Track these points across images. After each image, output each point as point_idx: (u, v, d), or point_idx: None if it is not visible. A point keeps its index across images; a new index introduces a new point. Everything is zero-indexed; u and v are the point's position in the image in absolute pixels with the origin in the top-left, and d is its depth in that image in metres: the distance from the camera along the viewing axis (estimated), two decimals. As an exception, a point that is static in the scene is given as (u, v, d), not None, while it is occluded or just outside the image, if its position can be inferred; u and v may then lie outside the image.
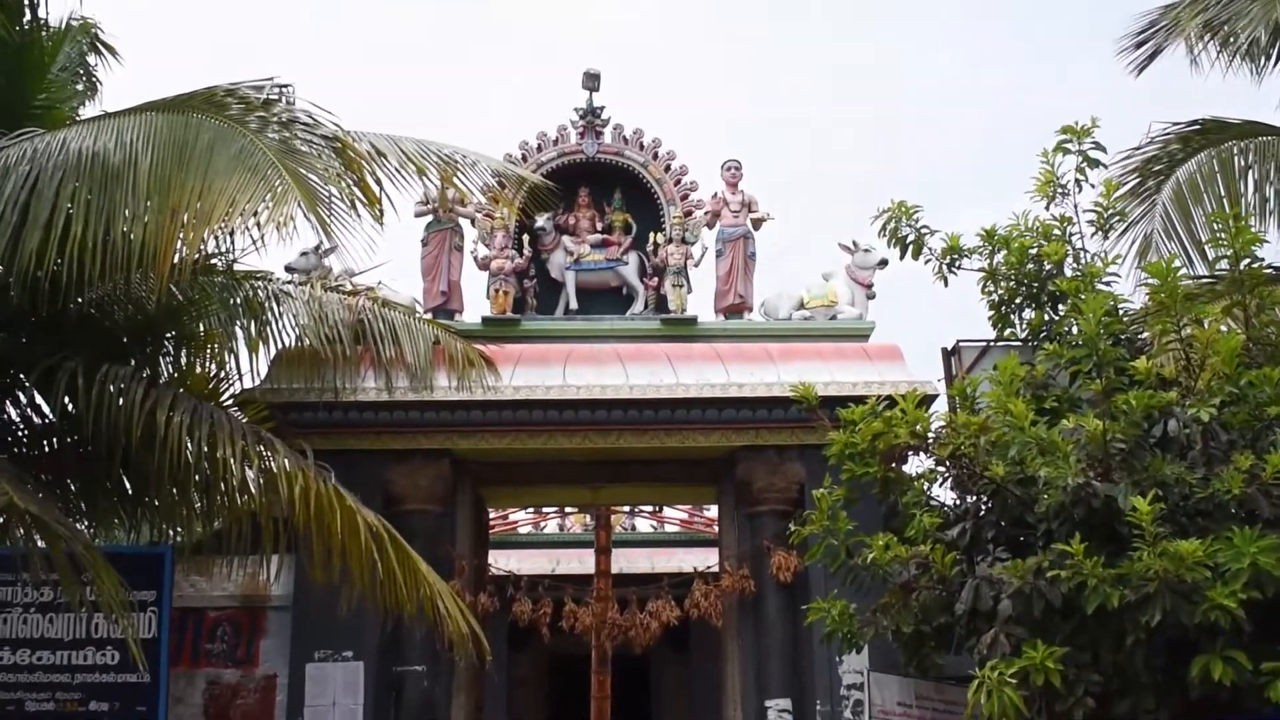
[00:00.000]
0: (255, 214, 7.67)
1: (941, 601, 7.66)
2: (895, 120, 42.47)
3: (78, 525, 8.78)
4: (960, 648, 7.60)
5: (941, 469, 8.17)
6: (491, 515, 16.32)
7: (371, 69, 41.94)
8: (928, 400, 10.03)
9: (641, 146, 12.38)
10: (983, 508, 7.88)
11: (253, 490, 8.01)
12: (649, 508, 19.42)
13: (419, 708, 10.34)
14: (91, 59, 10.53)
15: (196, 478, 8.08)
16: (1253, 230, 7.86)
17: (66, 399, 8.05)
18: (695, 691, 19.12)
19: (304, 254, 11.32)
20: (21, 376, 8.59)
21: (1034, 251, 9.25)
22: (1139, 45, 10.37)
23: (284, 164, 7.62)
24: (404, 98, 39.94)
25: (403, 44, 42.55)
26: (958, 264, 9.64)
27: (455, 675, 10.80)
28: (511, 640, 17.63)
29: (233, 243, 9.25)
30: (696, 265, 12.07)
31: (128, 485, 8.79)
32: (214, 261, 9.50)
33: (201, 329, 9.49)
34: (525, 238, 12.13)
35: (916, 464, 8.43)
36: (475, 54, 43.22)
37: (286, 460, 7.89)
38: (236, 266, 9.76)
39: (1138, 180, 10.02)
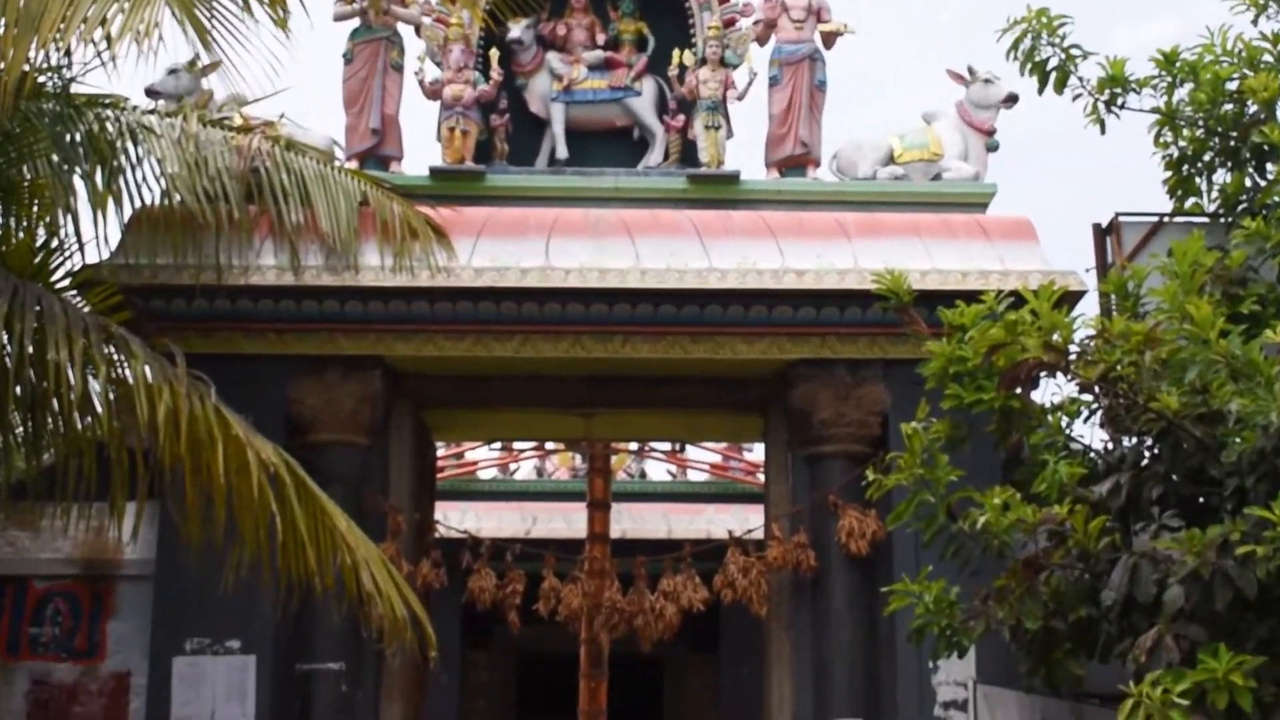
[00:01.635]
0: (105, 20, 7.58)
1: (1083, 587, 7.67)
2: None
3: None
4: (1108, 653, 7.62)
5: (1088, 397, 8.15)
6: (441, 452, 16.40)
7: None
8: (1071, 298, 10.00)
9: (665, -78, 12.23)
10: (1146, 455, 7.86)
11: (98, 410, 8.00)
12: (665, 446, 19.49)
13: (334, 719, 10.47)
14: None
15: (17, 390, 8.08)
16: None
17: None
18: (726, 707, 19.33)
19: (174, 72, 11.20)
20: None
21: (1233, 85, 9.15)
22: None
23: (148, -57, 7.52)
24: None
25: None
26: (1121, 102, 9.56)
27: (386, 676, 10.89)
28: (467, 630, 17.83)
29: (70, 56, 9.16)
30: (740, 99, 11.94)
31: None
32: (44, 81, 9.40)
33: (25, 177, 9.42)
34: (494, 54, 12.00)
35: (1052, 390, 8.42)
36: None
37: (147, 368, 7.88)
38: (76, 89, 9.68)
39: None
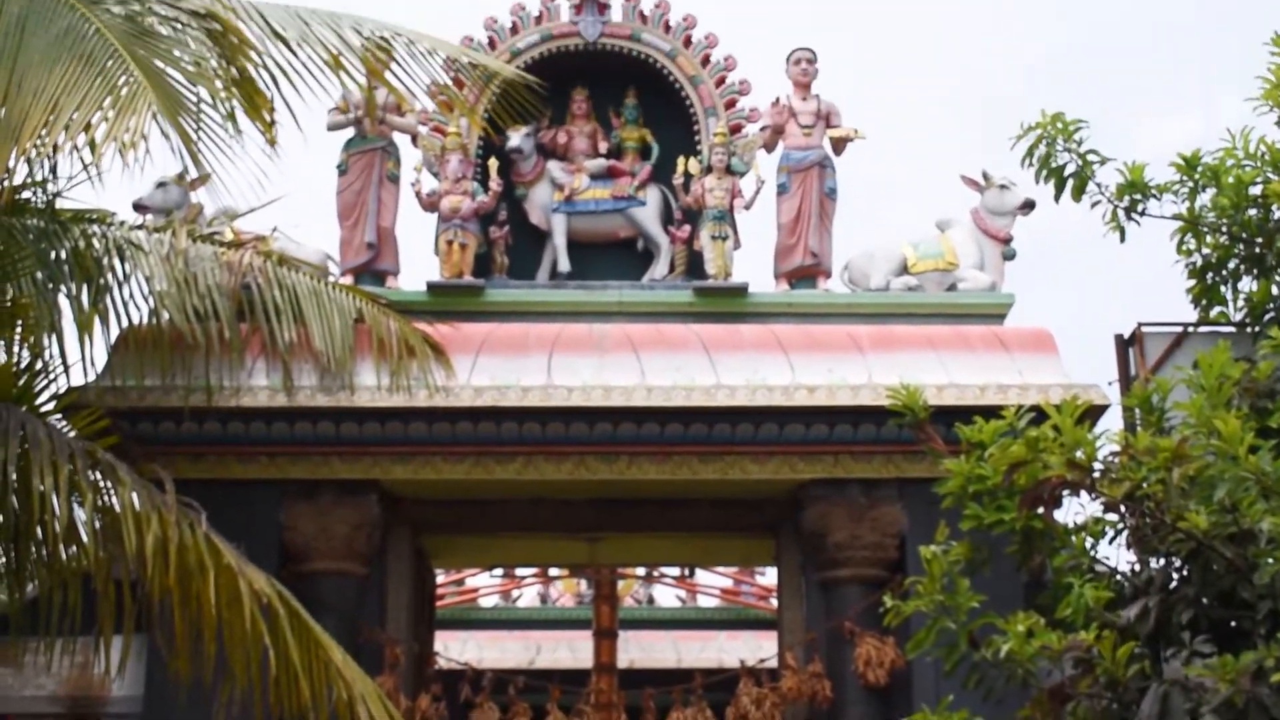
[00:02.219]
0: (89, 126, 7.65)
1: (1112, 717, 7.65)
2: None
3: None
4: (1140, 786, 7.60)
5: (1113, 517, 8.15)
6: (440, 580, 16.36)
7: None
8: (1094, 413, 10.03)
9: (667, 28, 12.36)
10: (1175, 576, 7.87)
11: (84, 539, 8.00)
12: (674, 571, 19.42)
13: None
14: None
15: None
16: None
17: None
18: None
19: (162, 185, 11.32)
20: None
21: (1257, 190, 9.22)
22: None
23: (132, 52, 7.59)
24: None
25: None
26: (1142, 208, 9.62)
27: (383, 817, 10.83)
28: (468, 766, 17.65)
29: (55, 168, 9.28)
30: (748, 208, 12.06)
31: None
32: (26, 196, 9.51)
33: (8, 296, 9.49)
34: (493, 163, 12.12)
35: (1076, 509, 8.42)
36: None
37: (135, 495, 7.91)
38: (61, 203, 9.79)
39: None
